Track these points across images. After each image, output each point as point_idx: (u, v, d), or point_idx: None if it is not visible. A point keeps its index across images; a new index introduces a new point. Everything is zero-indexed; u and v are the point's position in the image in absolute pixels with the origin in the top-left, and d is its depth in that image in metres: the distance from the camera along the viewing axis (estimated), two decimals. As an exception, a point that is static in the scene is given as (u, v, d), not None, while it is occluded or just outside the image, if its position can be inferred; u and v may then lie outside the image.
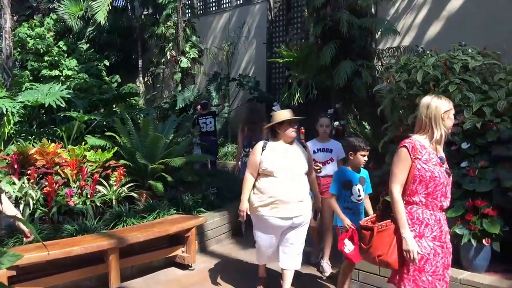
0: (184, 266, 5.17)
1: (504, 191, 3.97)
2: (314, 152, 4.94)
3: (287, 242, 4.10)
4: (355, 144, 4.04)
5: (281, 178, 3.91)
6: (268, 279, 4.65)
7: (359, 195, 4.05)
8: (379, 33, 9.41)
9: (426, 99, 2.98)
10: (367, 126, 8.41)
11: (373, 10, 9.64)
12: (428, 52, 5.99)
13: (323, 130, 5.03)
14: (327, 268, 4.86)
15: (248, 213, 4.09)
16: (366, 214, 4.02)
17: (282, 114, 4.07)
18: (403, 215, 2.86)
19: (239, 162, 6.91)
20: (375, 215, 3.20)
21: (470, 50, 5.56)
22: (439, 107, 2.92)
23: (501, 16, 8.05)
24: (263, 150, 4.05)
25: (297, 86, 9.73)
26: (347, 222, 3.87)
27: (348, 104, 8.91)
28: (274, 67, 13.14)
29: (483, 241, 3.85)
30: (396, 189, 2.89)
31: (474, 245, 3.88)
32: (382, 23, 8.78)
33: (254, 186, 4.07)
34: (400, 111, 5.67)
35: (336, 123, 9.57)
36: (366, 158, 4.05)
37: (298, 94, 9.63)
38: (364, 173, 4.17)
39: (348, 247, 3.75)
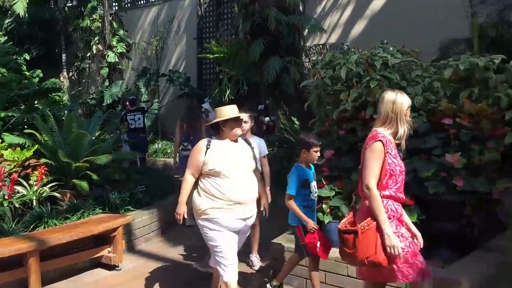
0: (110, 267, 5.02)
1: (421, 182, 4.20)
2: None
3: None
4: (308, 141, 3.93)
5: (232, 178, 3.64)
6: (193, 276, 4.63)
7: (316, 192, 4.04)
8: (306, 30, 9.62)
9: (391, 95, 3.02)
10: (296, 122, 8.59)
11: (301, 8, 9.84)
12: (352, 49, 6.20)
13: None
14: (256, 262, 4.90)
15: (186, 216, 3.75)
16: None
17: (228, 111, 3.78)
18: (383, 211, 2.84)
19: (177, 157, 6.90)
20: (352, 215, 3.09)
21: (391, 48, 5.81)
22: (403, 103, 2.98)
23: (420, 16, 8.49)
24: (207, 149, 3.71)
25: (227, 82, 9.75)
26: (311, 224, 3.82)
27: (278, 100, 9.04)
28: (204, 62, 13.07)
29: (402, 229, 4.05)
30: (374, 185, 2.86)
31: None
32: (309, 21, 8.98)
33: (199, 188, 3.73)
34: (328, 107, 5.81)
35: (267, 118, 9.70)
36: (318, 154, 3.99)
37: (229, 90, 9.64)
38: (313, 169, 4.14)
39: (317, 244, 3.81)
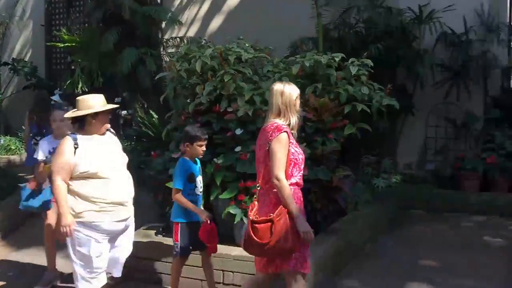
0: None
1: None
2: (49, 152, 4.34)
3: (120, 247, 3.58)
4: (191, 134, 3.79)
5: (109, 178, 3.33)
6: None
7: (201, 186, 3.93)
8: (164, 23, 9.47)
9: (279, 86, 3.09)
10: (155, 115, 8.43)
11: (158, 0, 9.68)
12: (207, 43, 6.27)
13: (56, 126, 4.47)
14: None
15: (76, 227, 3.27)
16: None
17: (97, 101, 3.39)
18: (291, 198, 2.89)
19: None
20: (256, 206, 3.08)
21: (247, 45, 6.00)
22: (292, 93, 3.06)
23: (274, 14, 8.85)
24: (75, 149, 3.29)
25: (80, 73, 9.18)
26: (205, 215, 3.71)
27: (134, 92, 8.78)
28: (54, 52, 12.08)
29: (253, 218, 4.22)
30: (283, 175, 2.91)
31: (246, 223, 4.21)
32: (166, 13, 8.84)
33: (70, 190, 3.32)
34: (187, 100, 5.79)
35: (124, 112, 9.37)
36: (204, 148, 3.86)
37: (82, 82, 9.09)
38: (198, 163, 4.04)
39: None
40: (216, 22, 9.90)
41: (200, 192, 3.93)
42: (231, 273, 3.93)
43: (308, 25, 7.55)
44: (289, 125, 3.05)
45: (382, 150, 7.11)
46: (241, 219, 4.21)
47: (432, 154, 7.61)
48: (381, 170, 6.34)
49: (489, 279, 4.26)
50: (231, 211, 4.21)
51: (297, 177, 3.05)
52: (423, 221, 6.24)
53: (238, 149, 4.78)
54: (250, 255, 3.86)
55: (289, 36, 7.83)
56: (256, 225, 2.91)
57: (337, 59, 5.39)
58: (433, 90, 7.43)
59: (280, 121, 3.04)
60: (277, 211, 2.90)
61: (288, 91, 3.07)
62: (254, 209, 3.06)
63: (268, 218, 2.89)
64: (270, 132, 3.00)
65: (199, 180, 3.92)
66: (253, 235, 2.89)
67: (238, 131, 4.91)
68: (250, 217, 2.98)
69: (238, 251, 4.02)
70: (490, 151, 6.69)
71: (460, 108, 7.40)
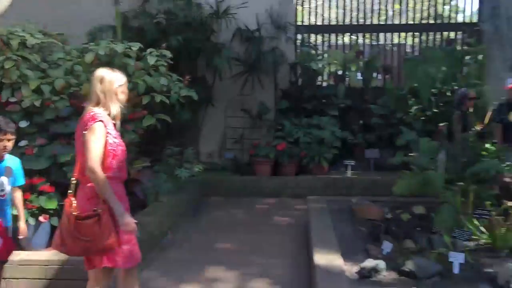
0: None
1: (61, 166, 4.13)
2: None
3: None
4: None
5: None
6: None
7: (2, 189, 3.27)
8: None
9: (100, 72, 2.87)
10: None
11: None
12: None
13: None
14: None
15: None
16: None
17: None
18: (112, 191, 2.72)
19: None
20: (73, 202, 2.78)
21: (39, 31, 5.47)
22: (112, 81, 2.85)
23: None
24: None
25: None
26: None
27: None
28: None
29: (41, 218, 3.90)
30: (99, 167, 2.70)
31: (33, 224, 3.87)
32: None
33: None
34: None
35: None
36: (6, 144, 3.21)
37: None
38: (10, 161, 3.35)
39: None
40: (1, 4, 8.79)
41: (1, 196, 3.32)
42: (14, 280, 3.55)
43: (109, 13, 7.25)
44: (109, 114, 2.87)
45: (185, 140, 7.26)
46: (27, 220, 3.84)
47: (231, 143, 8.07)
48: (184, 160, 6.44)
49: (276, 254, 4.69)
50: (15, 212, 3.79)
51: (116, 170, 2.89)
52: (223, 206, 6.60)
53: (23, 143, 4.38)
54: (35, 259, 3.62)
55: (89, 24, 7.42)
56: (81, 221, 2.71)
57: (134, 49, 5.29)
58: (230, 82, 7.87)
59: (98, 110, 2.84)
60: (100, 205, 2.74)
61: (108, 78, 2.87)
62: (74, 204, 2.81)
63: (95, 213, 2.72)
64: (86, 122, 2.81)
65: (1, 181, 3.33)
66: (77, 233, 2.70)
67: (23, 124, 4.50)
68: (74, 213, 2.75)
69: (23, 255, 3.67)
70: (280, 139, 7.38)
71: (254, 99, 7.99)
